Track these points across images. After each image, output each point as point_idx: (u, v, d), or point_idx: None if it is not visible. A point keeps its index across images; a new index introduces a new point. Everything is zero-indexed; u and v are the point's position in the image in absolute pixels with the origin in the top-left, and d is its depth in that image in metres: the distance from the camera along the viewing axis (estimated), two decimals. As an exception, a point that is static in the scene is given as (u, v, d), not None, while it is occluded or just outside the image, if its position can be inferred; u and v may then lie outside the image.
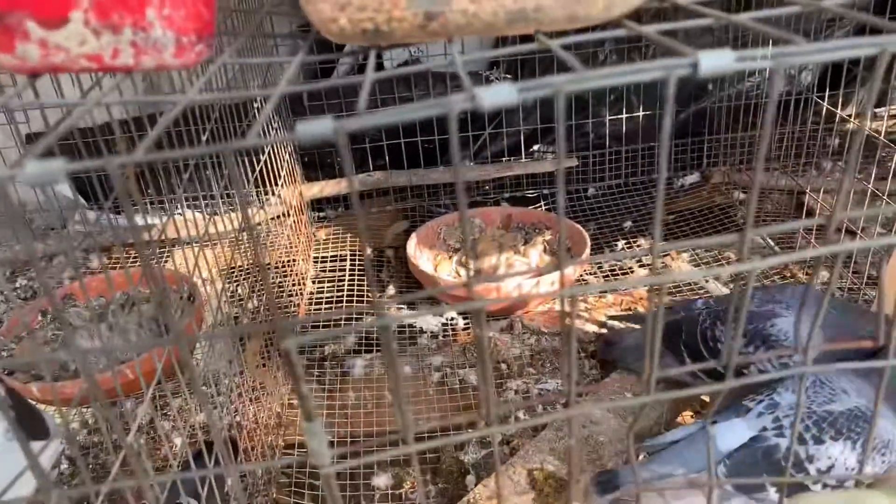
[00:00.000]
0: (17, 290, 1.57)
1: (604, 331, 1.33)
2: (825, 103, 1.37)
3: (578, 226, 1.51)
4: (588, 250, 1.42)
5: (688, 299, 1.23)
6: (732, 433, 0.83)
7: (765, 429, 0.82)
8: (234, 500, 0.89)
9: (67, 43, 0.33)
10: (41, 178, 0.25)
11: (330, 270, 1.60)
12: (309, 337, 0.31)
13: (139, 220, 1.73)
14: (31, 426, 0.80)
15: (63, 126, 0.29)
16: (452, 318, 1.42)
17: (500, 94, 0.26)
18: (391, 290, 1.54)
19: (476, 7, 0.33)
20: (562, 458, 1.04)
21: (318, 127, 0.25)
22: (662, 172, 0.30)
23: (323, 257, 1.65)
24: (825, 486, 0.79)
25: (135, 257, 1.70)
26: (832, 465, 0.78)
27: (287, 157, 1.54)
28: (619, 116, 1.80)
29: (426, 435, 1.13)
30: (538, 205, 1.77)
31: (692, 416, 1.15)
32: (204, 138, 0.93)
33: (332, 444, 1.17)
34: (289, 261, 1.61)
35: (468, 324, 1.40)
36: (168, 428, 1.17)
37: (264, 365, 1.26)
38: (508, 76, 1.74)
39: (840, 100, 1.47)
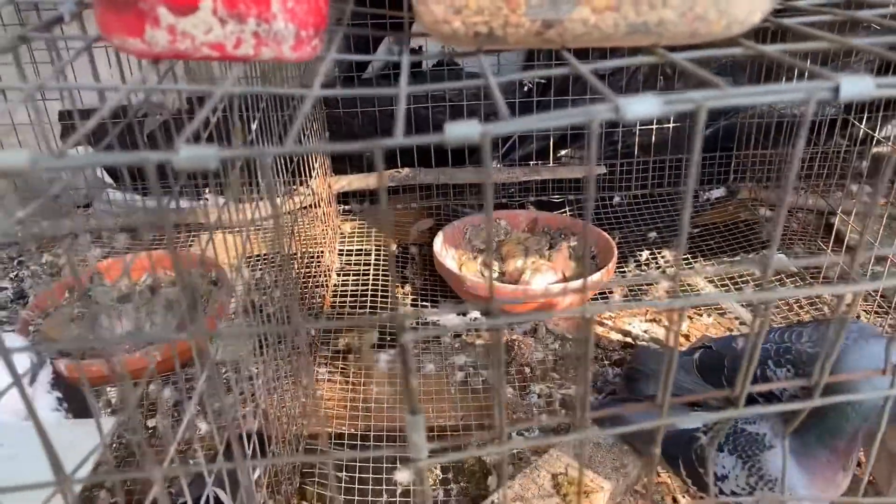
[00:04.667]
0: (42, 266, 1.58)
1: (628, 339, 1.33)
2: (863, 126, 1.37)
3: (606, 234, 1.51)
4: (615, 259, 1.42)
5: (725, 336, 1.21)
6: (689, 423, 0.95)
7: (704, 426, 0.95)
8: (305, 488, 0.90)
9: (194, 30, 0.33)
10: (195, 163, 0.25)
11: (355, 264, 1.61)
12: (428, 332, 0.31)
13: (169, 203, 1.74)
14: (76, 404, 0.81)
15: (205, 111, 0.30)
16: (476, 318, 1.43)
17: (644, 106, 0.26)
18: (407, 287, 1.55)
19: (597, 18, 0.34)
20: (585, 464, 1.05)
21: (465, 129, 0.26)
22: (789, 187, 0.31)
23: (348, 250, 1.66)
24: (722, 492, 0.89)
25: (159, 239, 1.71)
26: (726, 475, 0.87)
27: (319, 148, 1.55)
28: (649, 126, 1.80)
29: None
30: (563, 210, 1.78)
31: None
32: (254, 126, 0.93)
33: (353, 437, 1.17)
34: (316, 252, 1.62)
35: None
36: (195, 412, 1.17)
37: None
38: (542, 82, 1.75)
39: (878, 123, 1.47)
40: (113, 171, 1.76)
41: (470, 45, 0.38)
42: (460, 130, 0.26)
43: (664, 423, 0.36)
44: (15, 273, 1.54)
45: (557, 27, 0.35)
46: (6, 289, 1.49)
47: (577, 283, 1.33)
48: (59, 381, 0.80)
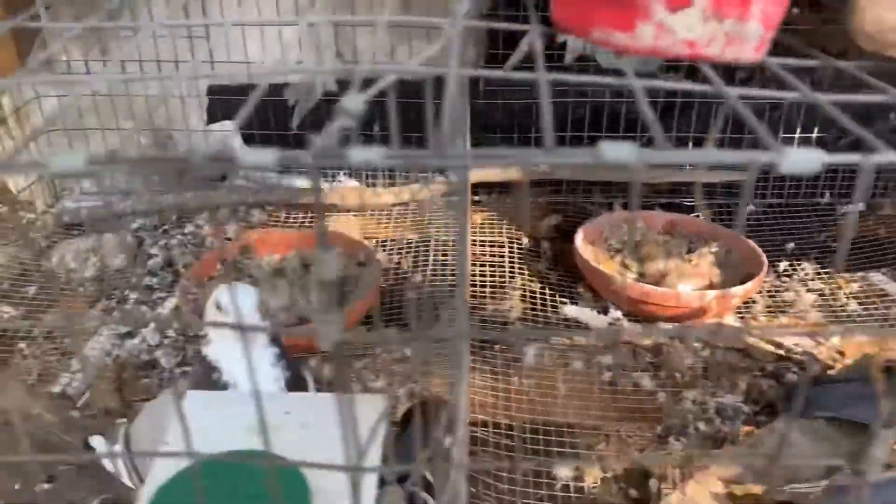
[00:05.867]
0: (186, 236, 1.62)
1: (780, 352, 1.31)
2: None
3: (752, 242, 1.48)
4: (766, 268, 1.39)
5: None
6: None
7: None
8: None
9: (678, 27, 0.33)
10: (624, 162, 0.26)
11: (490, 255, 1.61)
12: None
13: (300, 182, 1.76)
14: (296, 380, 0.82)
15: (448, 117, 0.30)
16: (618, 319, 1.42)
17: None
18: (515, 280, 1.54)
19: None
20: (757, 474, 1.03)
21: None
22: None
23: (480, 241, 1.67)
24: None
25: (295, 217, 1.74)
26: None
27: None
28: (791, 135, 1.76)
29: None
30: (696, 214, 1.75)
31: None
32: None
33: (496, 424, 1.18)
34: (451, 240, 1.63)
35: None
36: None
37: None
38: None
39: None
40: (252, 146, 1.79)
41: (916, 54, 0.37)
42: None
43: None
44: (164, 242, 1.59)
45: None
46: (156, 256, 1.54)
47: (735, 290, 1.31)
48: (282, 355, 0.82)
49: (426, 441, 0.77)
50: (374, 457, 0.56)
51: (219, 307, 0.87)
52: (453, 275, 1.52)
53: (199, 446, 0.59)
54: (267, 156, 0.26)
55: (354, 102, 0.29)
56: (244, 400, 0.69)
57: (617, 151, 0.26)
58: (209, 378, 0.79)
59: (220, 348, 0.81)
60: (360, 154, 0.26)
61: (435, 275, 1.53)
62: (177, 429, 0.58)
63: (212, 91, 1.74)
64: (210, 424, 0.60)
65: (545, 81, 0.32)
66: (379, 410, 0.61)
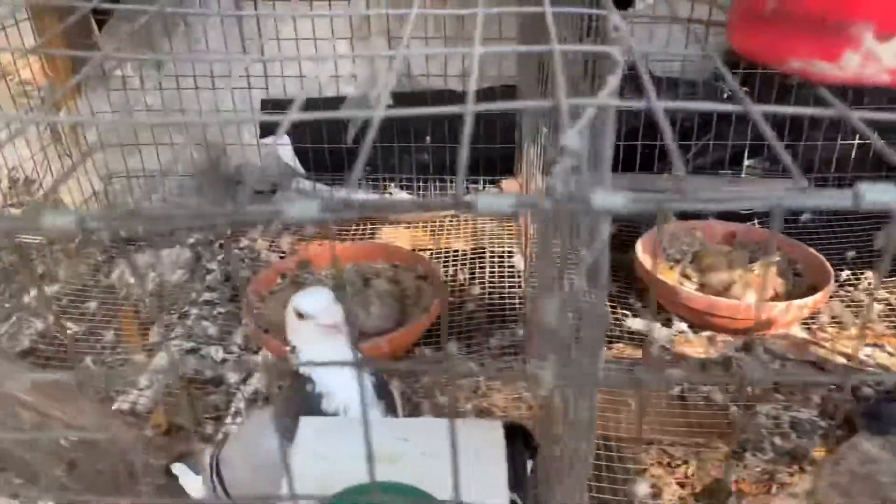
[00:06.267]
0: (242, 250, 1.63)
1: (853, 364, 1.28)
2: None
3: (815, 251, 1.46)
4: (832, 280, 1.37)
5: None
6: None
7: None
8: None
9: (885, 56, 0.32)
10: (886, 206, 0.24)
11: (547, 266, 1.60)
12: None
13: (358, 195, 1.76)
14: (382, 384, 0.81)
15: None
16: (682, 331, 1.40)
17: None
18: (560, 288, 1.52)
19: None
20: (844, 492, 1.01)
21: None
22: None
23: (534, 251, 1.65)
24: None
25: (347, 231, 1.74)
26: None
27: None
28: (832, 142, 1.74)
29: None
30: (752, 222, 1.73)
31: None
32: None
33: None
34: (506, 252, 1.62)
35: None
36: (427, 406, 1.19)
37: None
38: (746, 88, 1.70)
39: None
40: (304, 160, 1.79)
41: None
42: None
43: None
44: (221, 256, 1.59)
45: None
46: (214, 271, 1.54)
47: (804, 301, 1.29)
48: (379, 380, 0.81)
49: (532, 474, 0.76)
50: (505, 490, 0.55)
51: (300, 315, 0.84)
52: (510, 287, 1.51)
53: (324, 475, 0.59)
54: (504, 202, 0.25)
55: (574, 140, 0.28)
56: (356, 425, 0.68)
57: (877, 194, 0.25)
58: (303, 391, 0.77)
59: (310, 358, 0.80)
60: (604, 199, 0.25)
61: (493, 286, 1.52)
62: (302, 457, 0.57)
63: (265, 105, 1.74)
64: (327, 452, 0.59)
65: (757, 112, 0.31)
66: (497, 438, 0.60)
